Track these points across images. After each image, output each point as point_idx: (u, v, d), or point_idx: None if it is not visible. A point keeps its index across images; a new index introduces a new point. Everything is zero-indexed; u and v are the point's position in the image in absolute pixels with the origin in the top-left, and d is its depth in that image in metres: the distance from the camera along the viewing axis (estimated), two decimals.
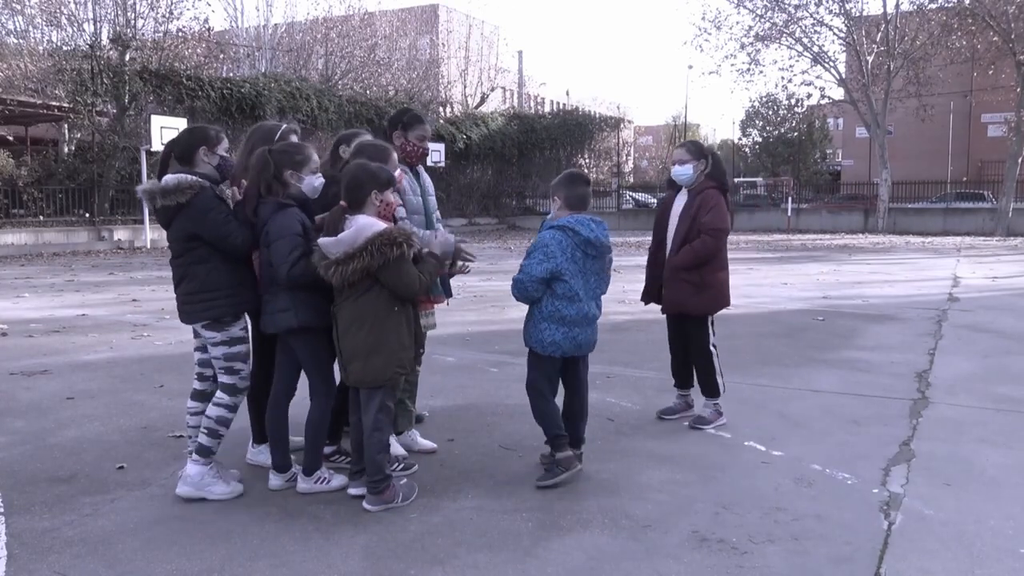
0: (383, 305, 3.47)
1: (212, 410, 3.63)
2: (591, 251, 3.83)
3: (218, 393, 3.66)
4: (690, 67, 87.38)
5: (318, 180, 3.70)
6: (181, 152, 3.64)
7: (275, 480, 3.76)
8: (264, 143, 3.85)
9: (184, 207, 3.50)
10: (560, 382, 4.02)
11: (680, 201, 4.83)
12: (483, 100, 42.25)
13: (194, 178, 3.53)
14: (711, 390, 4.80)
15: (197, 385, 3.80)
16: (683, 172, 4.77)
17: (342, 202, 3.56)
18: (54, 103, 21.64)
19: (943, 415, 4.98)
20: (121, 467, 4.03)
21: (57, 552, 3.10)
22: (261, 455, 4.10)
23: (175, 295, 3.70)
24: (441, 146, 29.60)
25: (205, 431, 3.62)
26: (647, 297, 5.05)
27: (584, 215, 3.88)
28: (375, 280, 3.42)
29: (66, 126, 23.44)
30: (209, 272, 3.57)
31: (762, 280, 12.81)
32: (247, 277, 3.68)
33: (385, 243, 3.36)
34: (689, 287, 4.70)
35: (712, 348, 4.80)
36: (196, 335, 3.76)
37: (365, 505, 3.50)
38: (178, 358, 6.71)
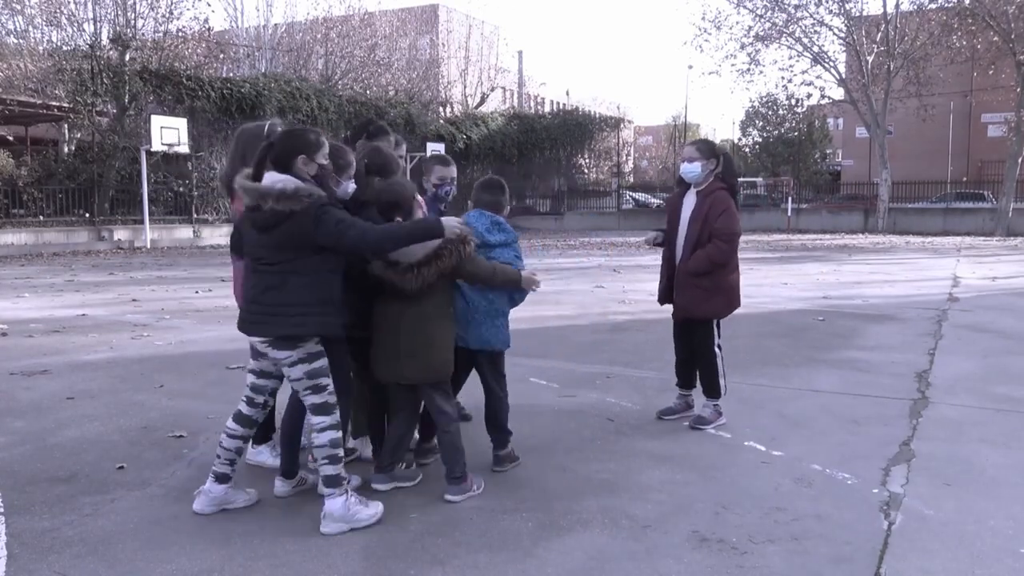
0: (446, 303, 3.66)
1: (321, 437, 3.31)
2: None
3: (314, 419, 3.35)
4: (690, 67, 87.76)
5: (352, 186, 3.66)
6: (278, 157, 3.35)
7: (281, 487, 3.70)
8: (255, 139, 3.82)
9: (296, 214, 3.21)
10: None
11: (689, 201, 4.77)
12: (483, 100, 42.27)
13: (309, 186, 3.27)
14: (713, 391, 4.79)
15: (244, 409, 3.50)
16: (691, 170, 4.71)
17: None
18: (54, 103, 21.66)
19: (943, 415, 4.98)
20: (121, 467, 4.03)
21: (57, 552, 3.10)
22: (260, 455, 4.10)
23: (248, 303, 3.35)
24: (441, 146, 29.60)
25: (326, 460, 3.31)
26: (661, 298, 5.01)
27: (475, 211, 3.95)
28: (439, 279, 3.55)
29: (66, 126, 23.46)
30: (307, 286, 3.27)
31: (762, 280, 12.81)
32: (338, 296, 3.39)
33: (458, 243, 3.50)
34: (701, 292, 4.66)
35: (717, 349, 4.78)
36: (256, 356, 3.44)
37: (448, 497, 3.59)
38: (178, 358, 6.71)
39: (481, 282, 3.74)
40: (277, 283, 3.28)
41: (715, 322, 4.79)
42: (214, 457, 3.50)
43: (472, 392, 4.20)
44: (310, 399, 3.37)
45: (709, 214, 4.62)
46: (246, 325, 3.36)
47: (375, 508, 3.38)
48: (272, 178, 3.26)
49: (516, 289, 3.88)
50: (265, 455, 4.09)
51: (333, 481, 3.32)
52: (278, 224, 3.22)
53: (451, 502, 3.59)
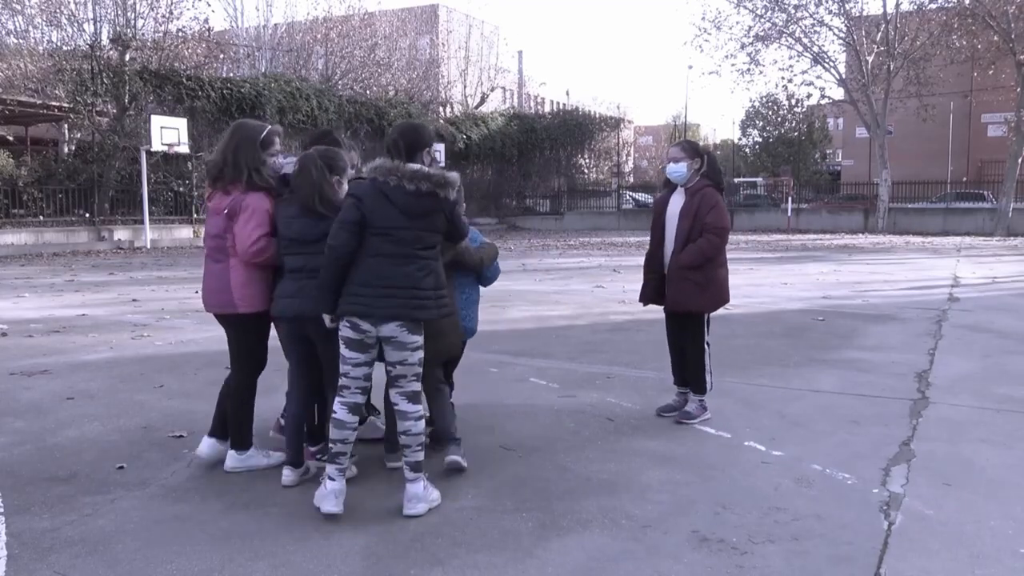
0: (451, 293, 3.88)
1: (418, 426, 3.47)
2: None
3: (411, 406, 3.48)
4: (690, 67, 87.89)
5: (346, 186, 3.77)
6: (411, 147, 3.53)
7: (290, 476, 3.77)
8: (250, 141, 3.85)
9: (449, 202, 3.47)
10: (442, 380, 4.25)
11: (677, 200, 4.85)
12: (483, 100, 42.26)
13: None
14: (699, 386, 4.85)
15: (359, 399, 3.52)
16: (677, 170, 4.81)
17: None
18: (54, 103, 21.64)
19: (943, 415, 4.98)
20: (121, 467, 4.02)
21: (57, 552, 3.10)
22: (252, 459, 4.01)
23: (402, 288, 3.38)
24: (441, 146, 29.57)
25: (419, 447, 3.47)
26: (645, 298, 5.05)
27: None
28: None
29: (66, 126, 23.45)
30: (440, 269, 3.55)
31: (762, 280, 12.81)
32: None
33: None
34: (694, 286, 4.72)
35: (706, 345, 4.84)
36: (363, 348, 3.43)
37: (454, 458, 3.88)
38: (178, 358, 6.70)
39: (477, 266, 4.11)
40: (428, 269, 3.47)
41: (706, 318, 4.83)
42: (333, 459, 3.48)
43: (460, 394, 4.21)
44: (412, 386, 3.50)
45: (699, 210, 4.71)
46: (405, 310, 3.38)
47: (437, 492, 3.57)
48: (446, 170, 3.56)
49: (491, 266, 4.24)
50: (256, 458, 4.02)
51: (420, 467, 3.49)
52: (435, 211, 3.45)
53: (459, 464, 3.87)
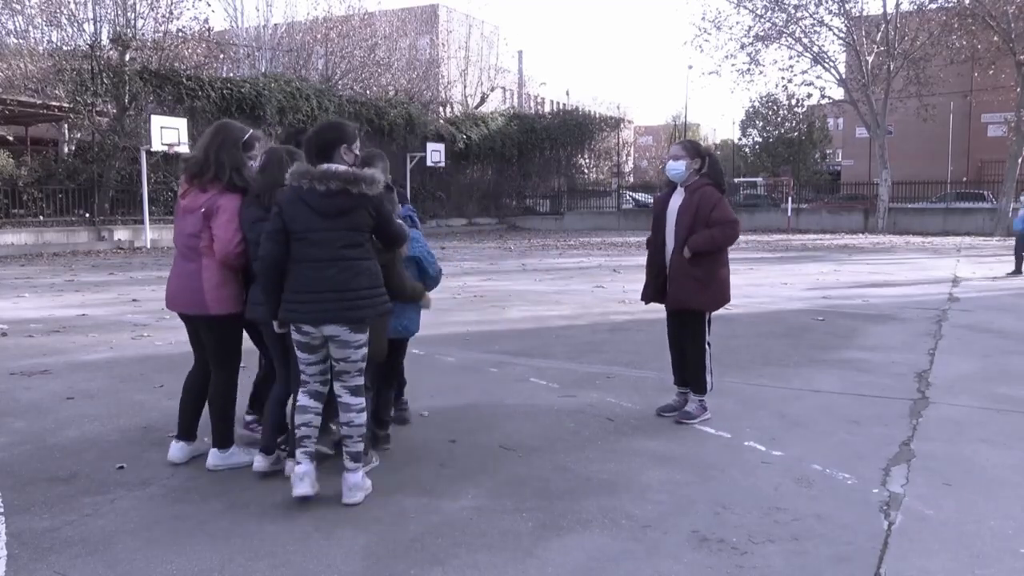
0: None
1: (361, 417, 3.57)
2: None
3: (353, 399, 3.56)
4: (690, 67, 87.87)
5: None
6: (323, 146, 3.54)
7: (262, 462, 3.87)
8: (233, 142, 3.89)
9: (368, 198, 3.44)
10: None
11: (677, 199, 4.87)
12: (483, 100, 42.27)
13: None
14: (699, 386, 4.85)
15: (321, 388, 3.63)
16: (676, 168, 4.83)
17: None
18: (54, 103, 21.64)
19: (943, 415, 4.98)
20: (121, 467, 4.03)
21: (57, 552, 3.10)
22: (233, 456, 4.03)
23: (331, 294, 3.41)
24: (441, 146, 29.60)
25: (360, 439, 3.57)
26: (647, 297, 5.06)
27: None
28: None
29: (66, 126, 23.45)
30: (374, 267, 3.54)
31: (762, 280, 12.81)
32: None
33: None
34: (695, 283, 4.72)
35: (707, 345, 4.83)
36: (312, 350, 3.52)
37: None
38: (178, 358, 6.70)
39: (400, 294, 3.94)
40: (357, 269, 3.46)
41: (707, 317, 4.83)
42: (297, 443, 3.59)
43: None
44: (355, 381, 3.57)
45: (700, 208, 4.72)
46: (327, 314, 3.41)
47: (370, 481, 3.67)
48: (369, 169, 3.54)
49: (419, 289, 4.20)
50: (239, 455, 4.06)
51: (360, 457, 3.60)
52: (353, 208, 3.41)
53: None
